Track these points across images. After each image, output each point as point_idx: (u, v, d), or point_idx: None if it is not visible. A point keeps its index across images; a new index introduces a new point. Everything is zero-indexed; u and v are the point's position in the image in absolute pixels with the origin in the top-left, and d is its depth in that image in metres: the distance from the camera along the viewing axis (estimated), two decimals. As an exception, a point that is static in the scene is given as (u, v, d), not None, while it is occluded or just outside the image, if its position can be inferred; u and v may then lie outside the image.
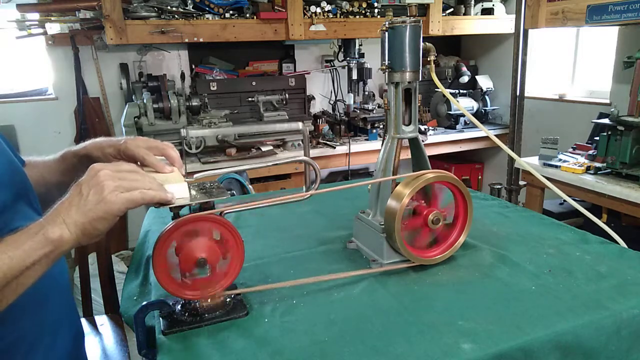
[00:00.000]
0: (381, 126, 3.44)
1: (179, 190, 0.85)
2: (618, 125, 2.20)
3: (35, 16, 2.84)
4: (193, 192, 0.89)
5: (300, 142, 3.20)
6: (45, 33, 2.83)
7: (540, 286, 0.98)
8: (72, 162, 1.05)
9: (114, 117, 3.39)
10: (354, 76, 3.57)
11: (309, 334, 0.85)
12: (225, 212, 0.91)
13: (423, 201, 1.08)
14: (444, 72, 3.87)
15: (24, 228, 0.74)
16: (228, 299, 0.94)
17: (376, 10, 3.29)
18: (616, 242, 1.26)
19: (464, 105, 3.68)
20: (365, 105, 3.59)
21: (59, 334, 0.99)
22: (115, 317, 1.62)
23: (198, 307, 0.90)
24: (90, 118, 3.30)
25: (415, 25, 1.06)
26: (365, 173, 4.07)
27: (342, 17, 3.22)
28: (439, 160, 4.00)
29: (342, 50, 3.55)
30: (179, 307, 0.91)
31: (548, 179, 1.50)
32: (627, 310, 0.89)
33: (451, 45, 4.35)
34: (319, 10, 3.12)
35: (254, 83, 3.42)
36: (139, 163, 0.93)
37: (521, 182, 2.88)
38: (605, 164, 2.29)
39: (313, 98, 3.84)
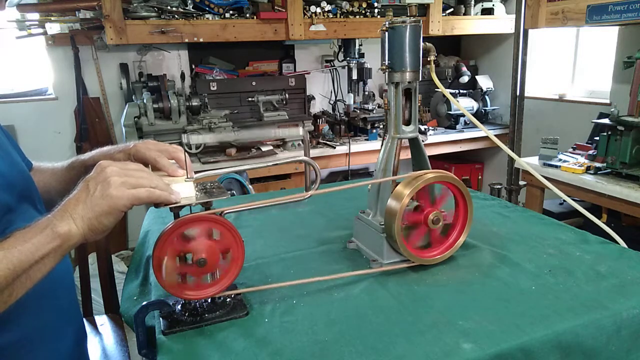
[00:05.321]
0: (381, 126, 3.44)
1: (184, 190, 0.85)
2: (618, 125, 2.20)
3: (35, 16, 2.84)
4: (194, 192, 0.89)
5: (301, 142, 3.20)
6: (45, 33, 2.83)
7: (540, 286, 0.98)
8: (79, 171, 1.06)
9: (114, 117, 3.39)
10: (354, 76, 3.58)
11: (309, 334, 0.85)
12: (225, 212, 0.91)
13: (427, 200, 1.08)
14: (444, 72, 3.87)
15: (33, 223, 0.75)
16: (228, 299, 0.94)
17: (376, 10, 3.29)
18: (616, 242, 1.26)
19: (464, 105, 3.68)
20: (365, 105, 3.59)
21: (62, 334, 0.99)
22: (115, 317, 1.61)
23: (198, 307, 0.90)
24: (90, 118, 3.30)
25: (415, 25, 1.06)
26: (365, 173, 4.07)
27: (342, 17, 3.22)
28: (439, 160, 4.00)
29: (342, 50, 3.55)
30: (179, 307, 0.91)
31: (548, 179, 1.50)
32: (627, 310, 0.89)
33: (451, 45, 4.35)
34: (319, 10, 3.12)
35: (254, 83, 3.42)
36: (149, 166, 0.93)
37: (521, 182, 2.88)
38: (605, 164, 2.29)
39: (313, 98, 3.84)
